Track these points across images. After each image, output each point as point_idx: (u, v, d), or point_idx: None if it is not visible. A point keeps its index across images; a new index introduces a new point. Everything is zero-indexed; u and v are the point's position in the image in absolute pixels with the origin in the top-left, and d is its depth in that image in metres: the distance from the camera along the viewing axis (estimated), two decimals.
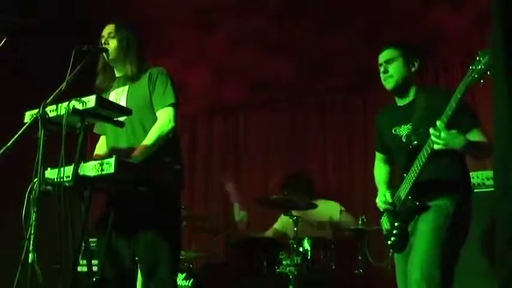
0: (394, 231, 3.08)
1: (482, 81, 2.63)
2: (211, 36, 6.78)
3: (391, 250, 3.20)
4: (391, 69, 3.12)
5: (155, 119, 3.17)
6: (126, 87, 3.31)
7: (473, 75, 2.63)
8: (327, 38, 6.03)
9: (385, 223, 3.19)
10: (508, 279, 2.77)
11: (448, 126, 2.72)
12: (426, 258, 2.81)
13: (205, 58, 6.69)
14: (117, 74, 3.38)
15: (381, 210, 3.21)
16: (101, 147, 3.45)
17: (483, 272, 3.77)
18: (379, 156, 3.49)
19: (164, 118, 3.15)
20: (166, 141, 3.12)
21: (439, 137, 2.71)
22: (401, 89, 3.14)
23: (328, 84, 6.04)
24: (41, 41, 5.63)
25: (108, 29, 3.32)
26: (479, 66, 2.61)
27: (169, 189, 3.17)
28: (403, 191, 3.01)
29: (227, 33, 6.69)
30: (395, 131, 3.14)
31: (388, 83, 3.14)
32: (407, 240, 3.03)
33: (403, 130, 3.10)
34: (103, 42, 3.27)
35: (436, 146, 2.74)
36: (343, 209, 5.25)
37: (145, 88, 3.23)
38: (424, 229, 2.89)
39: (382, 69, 3.16)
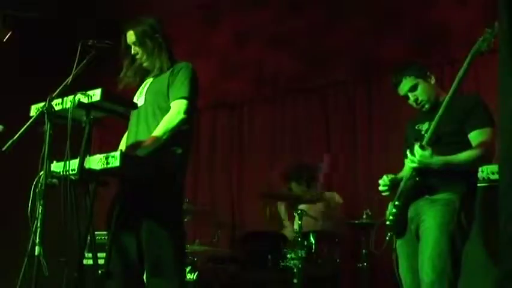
0: (393, 210, 3.13)
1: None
2: (216, 30, 6.79)
3: (389, 234, 3.22)
4: (420, 95, 3.19)
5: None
6: (151, 79, 3.34)
7: (480, 44, 2.84)
8: (331, 32, 6.02)
9: (389, 206, 3.24)
10: (510, 273, 2.77)
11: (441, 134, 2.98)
12: (436, 252, 2.88)
13: (210, 52, 6.70)
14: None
15: (382, 192, 3.27)
16: (124, 140, 3.45)
17: (485, 268, 3.76)
18: None
19: (175, 110, 3.13)
20: (177, 132, 3.11)
21: (414, 158, 2.94)
22: (436, 104, 3.17)
23: (333, 78, 6.02)
24: (46, 36, 5.67)
25: (130, 36, 3.30)
26: (487, 36, 2.81)
27: (172, 175, 3.14)
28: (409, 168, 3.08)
29: (232, 28, 6.70)
30: (418, 127, 3.22)
31: (425, 107, 3.21)
32: (405, 224, 3.09)
33: (425, 126, 3.16)
34: (133, 53, 3.28)
35: (412, 165, 2.98)
36: (341, 201, 5.26)
37: (165, 80, 3.24)
38: (431, 224, 2.94)
39: (412, 98, 3.21)
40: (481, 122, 3.01)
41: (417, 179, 3.02)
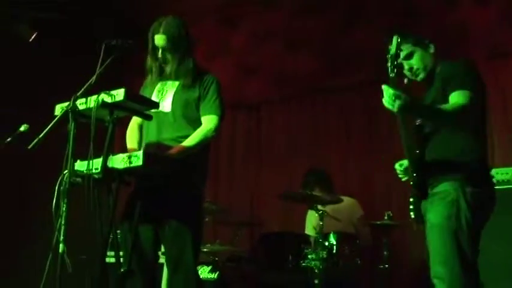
0: (410, 207, 2.94)
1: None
2: (234, 31, 6.80)
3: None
4: (415, 64, 2.97)
5: (199, 117, 3.29)
6: (177, 82, 3.36)
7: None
8: (350, 33, 6.01)
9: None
10: None
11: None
12: (442, 252, 2.69)
13: (228, 53, 6.72)
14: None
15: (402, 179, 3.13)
16: (132, 138, 3.48)
17: (510, 270, 3.70)
18: None
19: (209, 125, 3.26)
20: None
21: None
22: (431, 75, 2.98)
23: (352, 79, 5.99)
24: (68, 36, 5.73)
25: (160, 40, 3.28)
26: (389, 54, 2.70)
27: (195, 185, 3.26)
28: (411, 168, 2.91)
29: (250, 28, 6.70)
30: None
31: (419, 77, 3.00)
32: (423, 216, 2.90)
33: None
34: (160, 56, 3.30)
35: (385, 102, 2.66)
36: (362, 213, 5.22)
37: (195, 92, 3.32)
38: (433, 221, 2.76)
39: (406, 67, 2.99)
40: (457, 85, 2.77)
41: (414, 174, 2.82)
